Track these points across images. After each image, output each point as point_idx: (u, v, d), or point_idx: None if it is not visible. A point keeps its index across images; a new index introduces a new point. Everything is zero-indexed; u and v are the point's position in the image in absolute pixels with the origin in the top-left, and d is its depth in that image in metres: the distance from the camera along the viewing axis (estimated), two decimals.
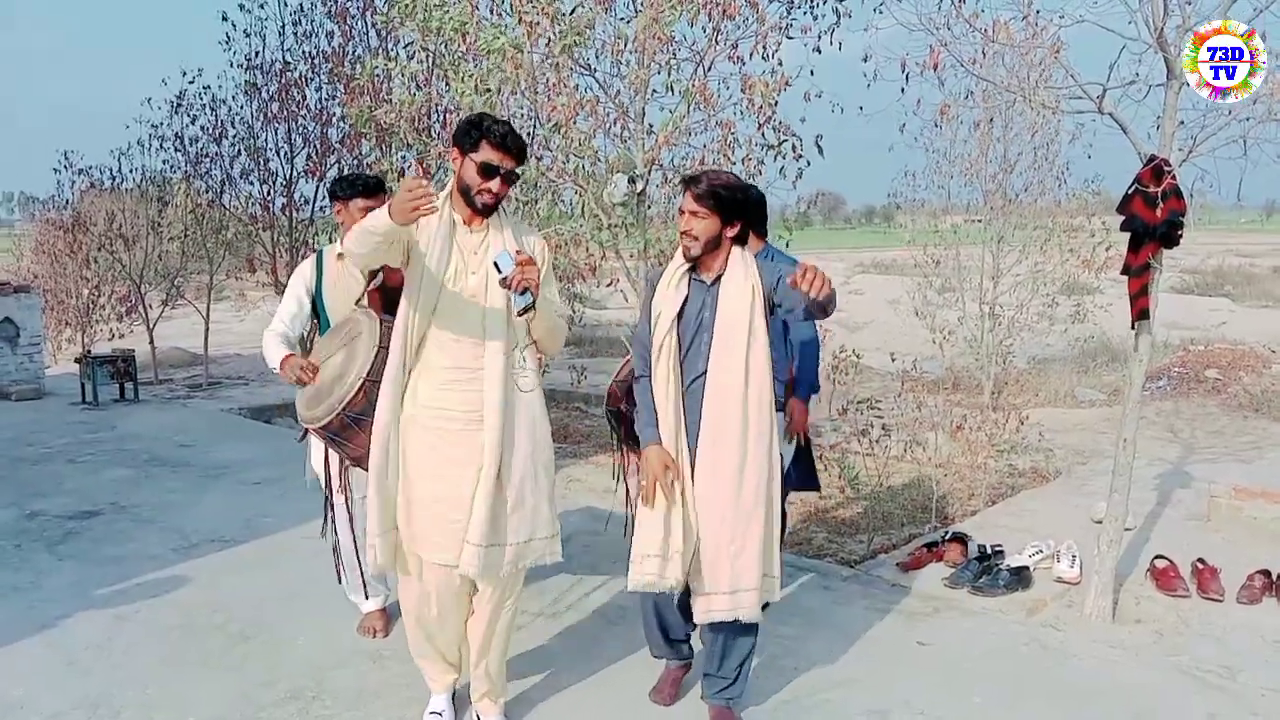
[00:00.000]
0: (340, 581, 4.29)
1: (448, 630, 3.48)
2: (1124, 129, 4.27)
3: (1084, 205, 10.74)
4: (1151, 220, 4.16)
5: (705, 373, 3.35)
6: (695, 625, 3.59)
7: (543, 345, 3.41)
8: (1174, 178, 4.12)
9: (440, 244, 3.18)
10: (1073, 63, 4.30)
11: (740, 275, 3.37)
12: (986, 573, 4.93)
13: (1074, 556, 5.05)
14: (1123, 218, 4.27)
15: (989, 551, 5.17)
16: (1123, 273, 4.45)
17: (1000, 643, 4.27)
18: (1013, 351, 11.11)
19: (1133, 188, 4.19)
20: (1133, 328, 4.46)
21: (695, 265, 3.42)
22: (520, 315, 3.11)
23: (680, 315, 3.39)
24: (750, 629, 3.50)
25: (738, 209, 3.37)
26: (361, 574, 4.35)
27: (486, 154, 3.13)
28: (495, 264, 3.07)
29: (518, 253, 3.09)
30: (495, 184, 3.17)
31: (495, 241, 3.22)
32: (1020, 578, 4.89)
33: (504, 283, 3.05)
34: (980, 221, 11.06)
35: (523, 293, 3.04)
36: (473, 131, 3.14)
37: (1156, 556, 5.07)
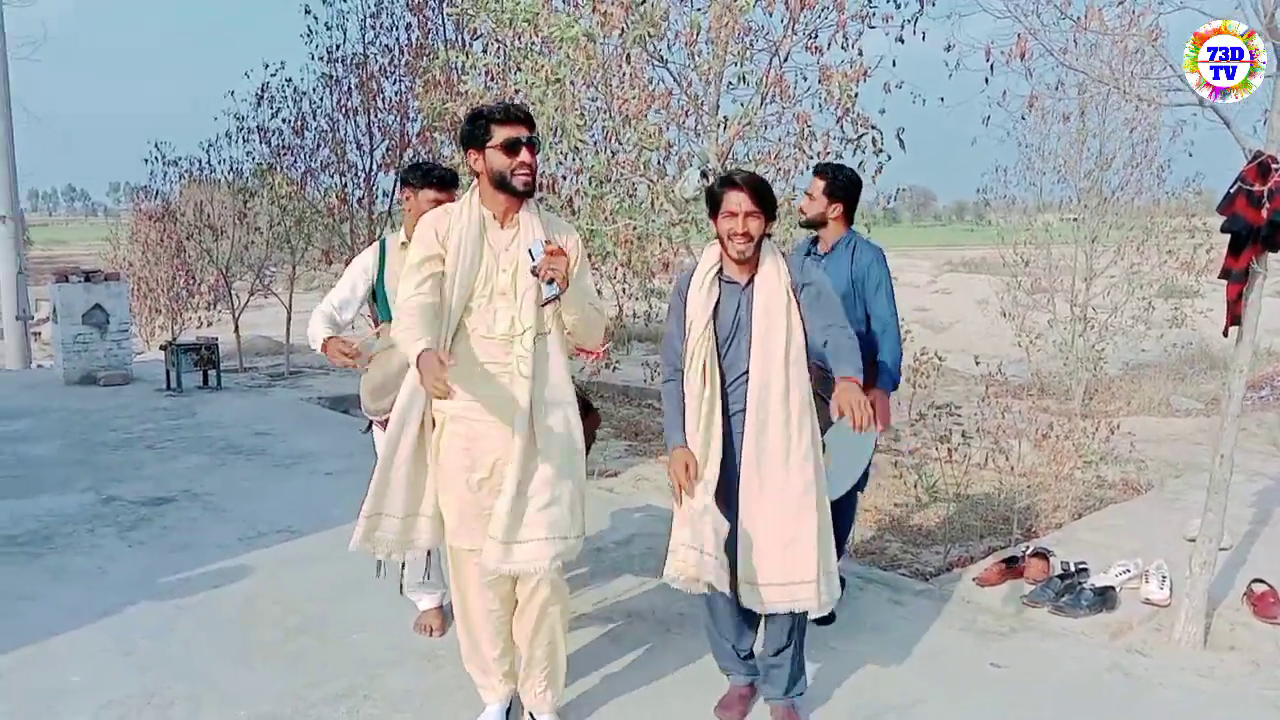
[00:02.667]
0: (378, 575, 4.23)
1: (491, 627, 3.43)
2: (1227, 123, 3.99)
3: (1184, 205, 10.30)
4: (1255, 221, 3.89)
5: (746, 372, 3.38)
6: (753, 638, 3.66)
7: (576, 335, 3.40)
8: None
9: (471, 244, 3.19)
10: (1171, 52, 4.03)
11: (773, 274, 3.41)
12: (1069, 591, 4.67)
13: (1164, 577, 4.77)
14: (1224, 218, 4.00)
15: (1072, 569, 4.90)
16: (1221, 276, 4.19)
17: (1081, 668, 4.03)
18: (1105, 356, 10.70)
19: (1236, 186, 3.91)
20: (1225, 334, 4.21)
21: (722, 267, 3.46)
22: (544, 305, 3.15)
23: (715, 318, 3.42)
24: (804, 619, 3.49)
25: (775, 208, 3.46)
26: (426, 569, 4.30)
27: (501, 133, 3.15)
28: (529, 251, 3.12)
29: (547, 243, 3.10)
30: (524, 155, 3.17)
31: (525, 238, 3.21)
32: (1105, 598, 4.62)
33: (533, 271, 3.10)
34: (1074, 220, 10.69)
35: (550, 282, 3.07)
36: (477, 122, 3.19)
37: (1254, 580, 4.75)
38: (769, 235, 3.48)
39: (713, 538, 3.31)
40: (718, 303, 3.44)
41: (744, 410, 3.41)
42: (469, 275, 3.18)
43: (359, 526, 3.38)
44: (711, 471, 3.37)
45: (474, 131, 3.18)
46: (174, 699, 3.73)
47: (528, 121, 3.22)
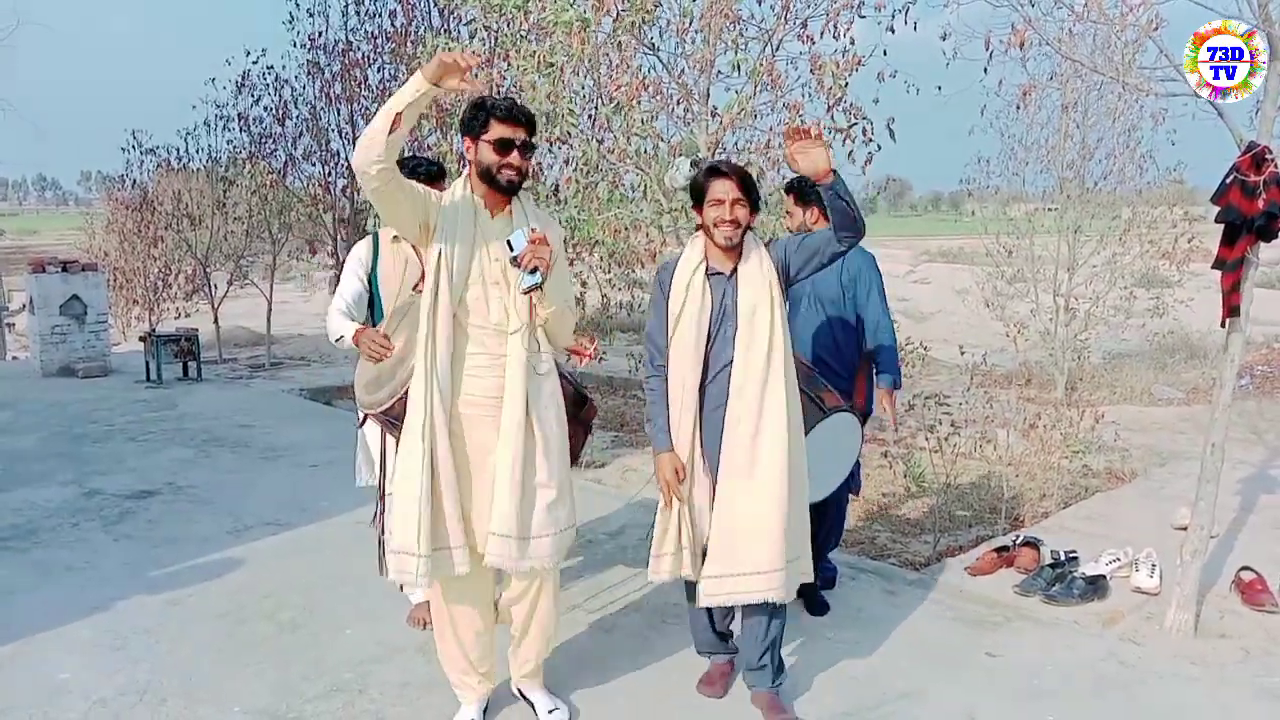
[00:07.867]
0: (383, 574, 4.20)
1: (475, 624, 3.41)
2: (1220, 113, 4.00)
3: (1166, 195, 10.35)
4: (1249, 211, 3.91)
5: (732, 361, 3.38)
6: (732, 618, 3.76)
7: (550, 331, 3.30)
8: (1276, 166, 3.84)
9: (463, 231, 3.16)
10: (1165, 42, 4.04)
11: (756, 262, 3.42)
12: (1060, 580, 4.69)
13: (1154, 565, 4.79)
14: (1218, 209, 4.01)
15: (1063, 558, 4.93)
16: (1215, 267, 4.20)
17: (1075, 656, 4.05)
18: (1088, 346, 10.76)
19: (1230, 176, 3.92)
20: (1223, 325, 4.21)
21: (708, 262, 3.44)
22: (525, 293, 3.10)
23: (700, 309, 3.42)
24: (782, 610, 3.55)
25: (759, 200, 3.49)
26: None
27: (497, 130, 3.11)
28: (508, 242, 3.08)
29: (531, 230, 3.09)
30: (514, 157, 3.14)
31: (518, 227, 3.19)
32: (1096, 587, 4.64)
33: (514, 261, 3.06)
34: (1053, 210, 10.73)
35: (532, 271, 3.04)
36: (479, 114, 3.13)
37: (1242, 568, 4.79)
38: (751, 228, 3.47)
39: (700, 536, 3.44)
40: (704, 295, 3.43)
41: (728, 402, 3.40)
42: (463, 263, 3.14)
43: (416, 562, 3.12)
44: (695, 464, 3.43)
45: (473, 119, 3.14)
46: (166, 695, 3.69)
47: (528, 125, 3.19)
